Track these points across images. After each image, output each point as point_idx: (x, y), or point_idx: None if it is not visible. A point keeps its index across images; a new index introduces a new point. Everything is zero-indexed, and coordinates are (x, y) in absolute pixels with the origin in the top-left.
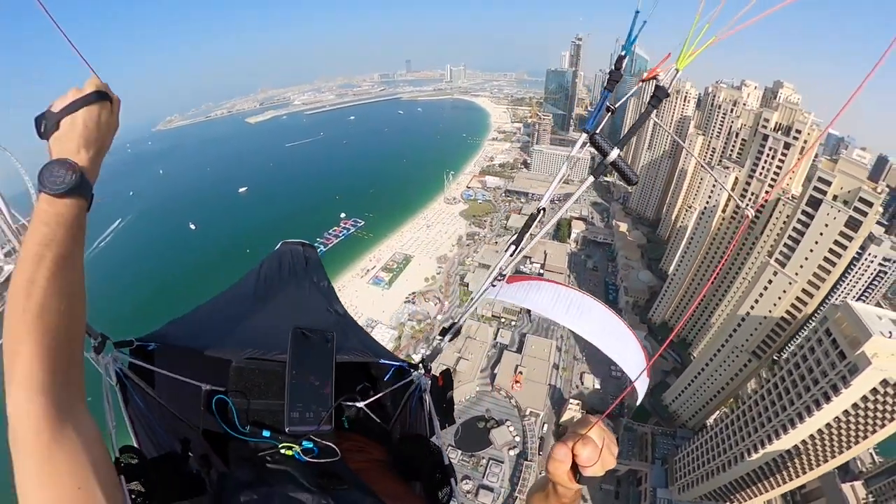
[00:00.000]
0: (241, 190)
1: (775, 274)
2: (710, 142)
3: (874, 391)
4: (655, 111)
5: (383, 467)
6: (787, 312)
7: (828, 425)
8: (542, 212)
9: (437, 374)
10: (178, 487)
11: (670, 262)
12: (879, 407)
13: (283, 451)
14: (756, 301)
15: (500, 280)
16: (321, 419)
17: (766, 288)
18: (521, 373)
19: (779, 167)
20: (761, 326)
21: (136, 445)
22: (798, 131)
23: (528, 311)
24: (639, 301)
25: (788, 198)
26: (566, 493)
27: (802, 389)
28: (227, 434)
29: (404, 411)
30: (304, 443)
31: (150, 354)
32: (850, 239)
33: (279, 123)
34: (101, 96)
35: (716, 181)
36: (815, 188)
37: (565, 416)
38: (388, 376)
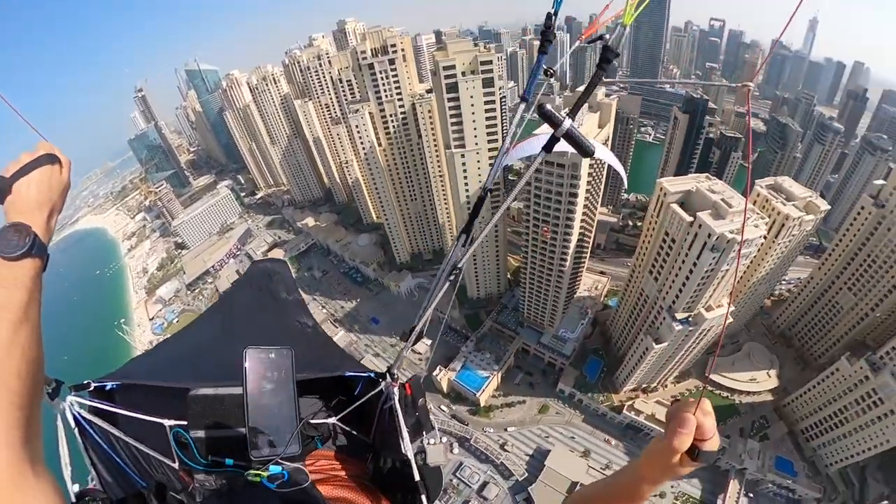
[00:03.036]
0: None
1: (463, 156)
2: (320, 101)
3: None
4: (604, 73)
5: (358, 485)
6: None
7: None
8: (488, 193)
9: (404, 383)
10: None
11: (369, 213)
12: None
13: (250, 478)
14: (466, 185)
15: (456, 273)
16: (286, 442)
17: (465, 172)
18: None
19: (397, 82)
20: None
21: (100, 486)
22: (393, 45)
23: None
24: (379, 260)
25: (420, 96)
26: (675, 473)
27: (555, 203)
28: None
29: (380, 422)
30: (271, 468)
31: (111, 394)
32: (493, 94)
33: None
34: (52, 158)
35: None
36: (446, 76)
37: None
38: (359, 388)
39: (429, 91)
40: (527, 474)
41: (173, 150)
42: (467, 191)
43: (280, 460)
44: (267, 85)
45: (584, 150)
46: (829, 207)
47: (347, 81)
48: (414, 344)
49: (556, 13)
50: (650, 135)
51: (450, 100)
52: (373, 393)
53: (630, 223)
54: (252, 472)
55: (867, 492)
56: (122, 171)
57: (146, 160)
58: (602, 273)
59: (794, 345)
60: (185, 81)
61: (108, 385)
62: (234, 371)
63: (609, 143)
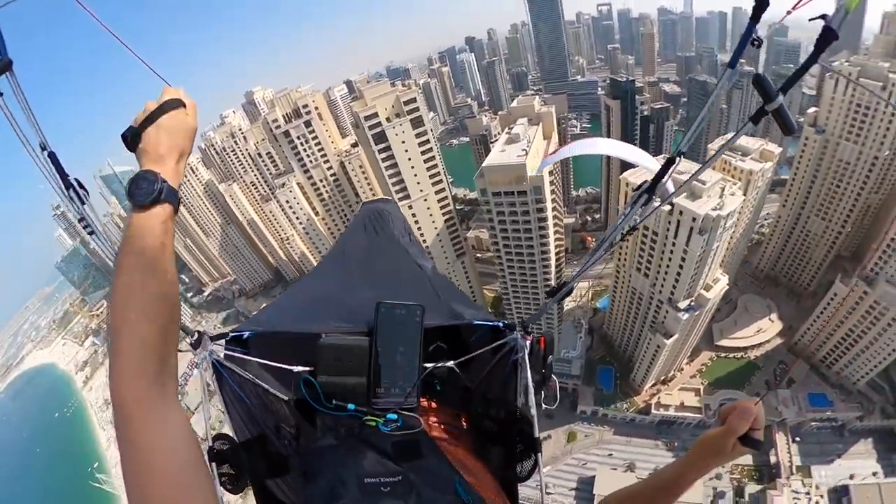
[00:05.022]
0: None
1: (411, 207)
2: (245, 181)
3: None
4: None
5: (458, 435)
6: (446, 213)
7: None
8: (681, 156)
9: (538, 336)
10: (265, 468)
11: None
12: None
13: (367, 422)
14: (421, 234)
15: (632, 231)
16: (406, 393)
17: (416, 222)
18: None
19: (318, 144)
20: (448, 232)
21: (231, 429)
22: (305, 106)
23: None
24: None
25: (346, 153)
26: (724, 457)
27: (524, 230)
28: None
29: (493, 374)
30: (388, 415)
31: (246, 342)
32: (425, 133)
33: None
34: (176, 103)
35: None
36: (371, 127)
37: None
38: (476, 335)
39: (354, 145)
40: None
41: (108, 262)
42: (424, 241)
43: (398, 409)
44: (185, 176)
45: (789, 128)
46: (781, 149)
47: (267, 154)
48: (561, 300)
49: None
50: (576, 126)
51: (381, 151)
52: (500, 342)
53: (588, 218)
54: (370, 417)
55: None
56: (61, 294)
57: (80, 280)
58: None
59: (781, 282)
60: (105, 187)
61: (245, 334)
62: (360, 316)
63: (553, 148)
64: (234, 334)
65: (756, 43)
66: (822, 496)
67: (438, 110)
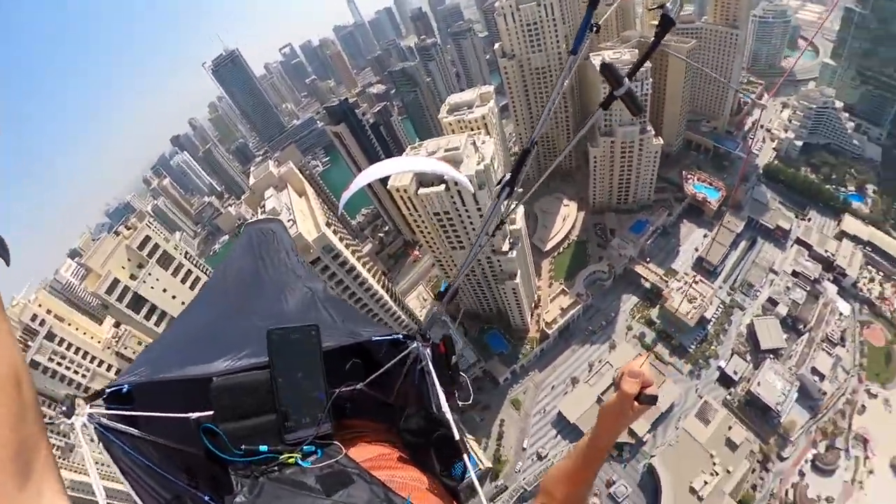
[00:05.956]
0: None
1: None
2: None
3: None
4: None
5: (392, 450)
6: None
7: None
8: (534, 146)
9: (437, 342)
10: None
11: None
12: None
13: (285, 461)
14: None
15: (497, 232)
16: (318, 420)
17: None
18: None
19: (77, 350)
20: None
21: (139, 500)
22: (34, 317)
23: None
24: None
25: (115, 341)
26: (627, 417)
27: (343, 293)
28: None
29: (405, 385)
30: (304, 447)
31: (129, 395)
32: (181, 265)
33: None
34: None
35: None
36: (118, 298)
37: None
38: (384, 351)
39: (118, 325)
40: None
41: None
42: None
43: (314, 440)
44: None
45: (638, 108)
46: (492, 86)
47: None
48: (449, 302)
49: None
50: (318, 166)
51: (147, 315)
52: (403, 354)
53: (381, 235)
54: (286, 454)
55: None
56: None
57: None
58: (413, 284)
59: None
60: None
61: (125, 387)
62: (250, 348)
63: (314, 200)
64: (111, 390)
65: (595, 28)
66: (695, 274)
67: (182, 226)
